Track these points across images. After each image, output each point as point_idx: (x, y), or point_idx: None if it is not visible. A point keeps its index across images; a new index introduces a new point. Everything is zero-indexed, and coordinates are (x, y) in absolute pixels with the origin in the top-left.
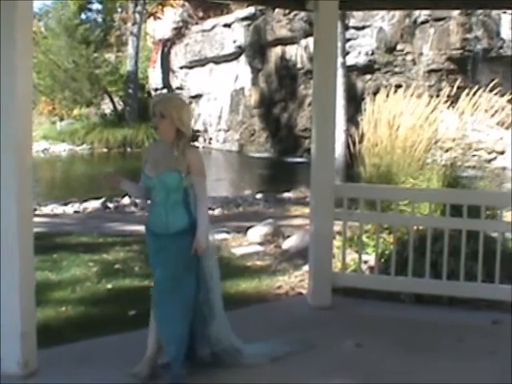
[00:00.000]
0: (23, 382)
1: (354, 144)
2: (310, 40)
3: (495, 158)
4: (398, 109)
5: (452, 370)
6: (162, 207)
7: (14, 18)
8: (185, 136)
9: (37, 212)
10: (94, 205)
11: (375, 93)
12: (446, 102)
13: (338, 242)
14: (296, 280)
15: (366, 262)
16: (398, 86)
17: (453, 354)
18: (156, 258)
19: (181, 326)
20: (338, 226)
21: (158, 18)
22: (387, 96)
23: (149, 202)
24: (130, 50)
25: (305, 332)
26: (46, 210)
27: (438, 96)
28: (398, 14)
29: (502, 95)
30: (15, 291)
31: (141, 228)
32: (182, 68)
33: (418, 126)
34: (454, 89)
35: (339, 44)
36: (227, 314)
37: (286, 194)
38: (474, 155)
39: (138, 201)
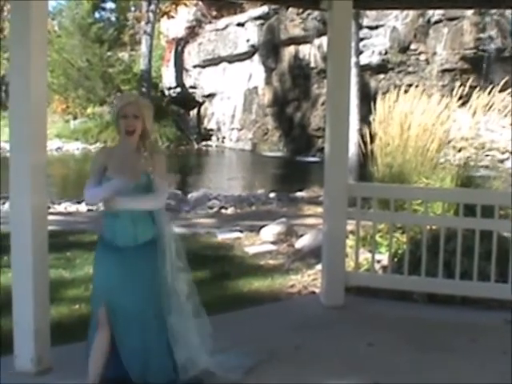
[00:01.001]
0: (37, 379)
1: (366, 143)
2: (324, 39)
3: (508, 158)
4: (410, 108)
5: (464, 370)
6: (128, 217)
7: (28, 16)
8: (149, 136)
9: (50, 210)
10: None
11: (385, 92)
12: (459, 101)
13: (351, 242)
14: (309, 279)
15: (379, 262)
16: (412, 86)
17: (465, 354)
18: (117, 275)
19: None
20: (351, 226)
21: (172, 16)
22: (398, 95)
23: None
24: (143, 48)
25: (317, 331)
26: (60, 208)
27: (451, 96)
28: (411, 13)
29: None
30: (29, 289)
31: None
32: (195, 67)
33: (430, 125)
34: (467, 88)
35: (353, 43)
36: (239, 313)
37: (299, 193)
38: (487, 155)
39: None
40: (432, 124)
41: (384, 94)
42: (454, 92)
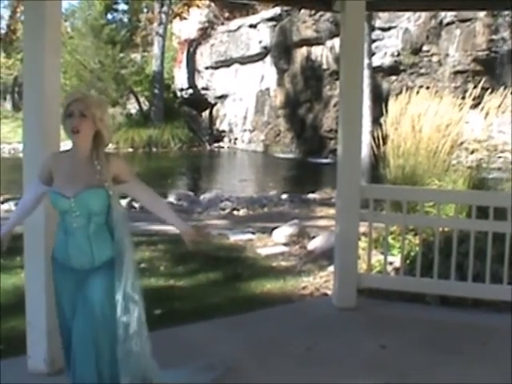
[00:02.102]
0: (49, 380)
1: (378, 145)
2: (336, 41)
3: None
4: (422, 110)
5: (476, 373)
6: (83, 236)
7: (42, 17)
8: (104, 141)
9: None
10: None
11: (397, 94)
12: (472, 103)
13: (363, 243)
14: (321, 281)
15: (391, 264)
16: (425, 87)
17: (477, 357)
18: (73, 297)
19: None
20: (363, 227)
21: (184, 18)
22: (410, 97)
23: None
24: (155, 50)
25: (329, 333)
26: None
27: (463, 97)
28: (423, 14)
29: None
30: (42, 289)
31: (166, 228)
32: (207, 68)
33: (442, 127)
34: (480, 90)
35: (365, 45)
36: (251, 315)
37: (311, 195)
38: (500, 157)
39: (172, 199)
40: (444, 126)
41: (396, 95)
42: (467, 94)
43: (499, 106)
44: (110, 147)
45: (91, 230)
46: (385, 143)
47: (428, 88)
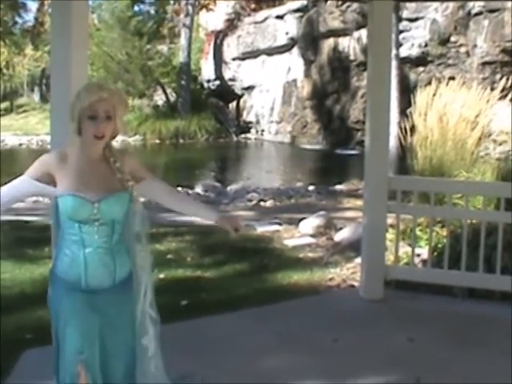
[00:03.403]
0: None
1: (405, 136)
2: (363, 32)
3: None
4: (449, 101)
5: (504, 366)
6: (106, 248)
7: (69, 10)
8: (115, 136)
9: None
10: None
11: (425, 85)
12: (500, 94)
13: (390, 235)
14: (348, 272)
15: (418, 256)
16: (451, 79)
17: (505, 350)
18: (89, 323)
19: None
20: (390, 219)
21: (211, 9)
22: (437, 88)
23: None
24: (182, 41)
25: (356, 324)
26: None
27: (492, 89)
28: (451, 5)
29: None
30: None
31: (193, 218)
32: (234, 59)
33: (470, 118)
34: (509, 81)
35: (392, 36)
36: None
37: (338, 186)
38: None
39: (199, 191)
40: (472, 117)
41: (424, 86)
42: (496, 85)
43: None
44: (138, 138)
45: (114, 240)
46: (412, 134)
47: (453, 79)
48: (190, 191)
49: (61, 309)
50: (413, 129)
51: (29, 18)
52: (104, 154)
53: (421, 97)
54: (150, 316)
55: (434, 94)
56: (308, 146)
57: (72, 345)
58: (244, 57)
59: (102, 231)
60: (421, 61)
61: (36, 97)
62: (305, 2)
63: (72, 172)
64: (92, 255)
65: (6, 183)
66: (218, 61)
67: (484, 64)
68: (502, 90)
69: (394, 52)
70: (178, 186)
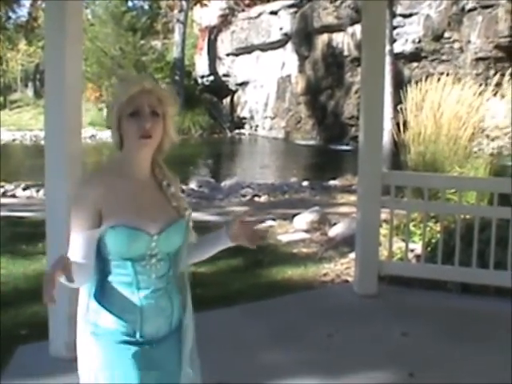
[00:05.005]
0: (71, 365)
1: (398, 132)
2: (357, 27)
3: None
4: (442, 96)
5: (498, 361)
6: (164, 289)
7: (63, 5)
8: (164, 150)
9: None
10: None
11: (417, 81)
12: (493, 90)
13: (384, 230)
14: (342, 268)
15: (412, 251)
16: (445, 74)
17: (499, 345)
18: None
19: None
20: (384, 214)
21: (205, 5)
22: (430, 84)
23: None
24: (176, 37)
25: (350, 319)
26: None
27: (485, 84)
28: (445, 1)
29: None
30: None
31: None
32: (228, 55)
33: (463, 114)
34: (502, 77)
35: (386, 31)
36: (272, 301)
37: (332, 182)
38: None
39: (193, 186)
40: (465, 113)
41: (417, 82)
42: (490, 80)
43: None
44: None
45: (169, 279)
46: (405, 130)
47: (448, 75)
48: (185, 187)
49: (107, 367)
50: (406, 124)
51: (22, 13)
52: (153, 172)
53: (412, 93)
54: (193, 358)
55: (427, 90)
56: (302, 142)
57: None
58: (238, 52)
59: (160, 269)
60: (415, 56)
61: (30, 92)
62: None
63: (118, 198)
64: (148, 299)
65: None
66: (212, 56)
67: (478, 60)
68: (495, 86)
69: (387, 48)
70: None
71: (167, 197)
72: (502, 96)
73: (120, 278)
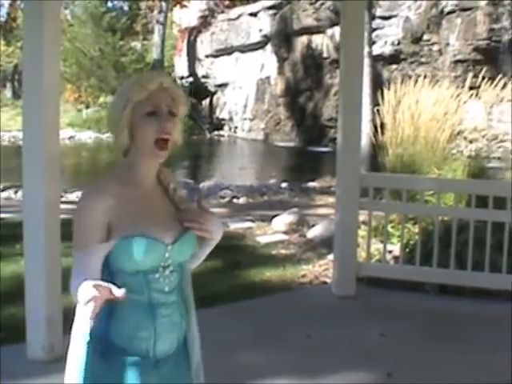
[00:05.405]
0: (48, 367)
1: (376, 134)
2: (337, 29)
3: None
4: (420, 99)
5: (475, 361)
6: (174, 304)
7: (41, 5)
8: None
9: (63, 199)
10: None
11: (394, 83)
12: (471, 92)
13: (362, 232)
14: (320, 269)
15: (390, 252)
16: (423, 76)
17: (476, 345)
18: None
19: None
20: (363, 216)
21: (184, 6)
22: (407, 86)
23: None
24: (155, 38)
25: (329, 321)
26: (73, 197)
27: (463, 87)
28: (424, 3)
29: None
30: (41, 277)
31: None
32: (207, 56)
33: (440, 116)
34: (480, 79)
35: (365, 33)
36: (251, 303)
37: (311, 183)
38: (500, 146)
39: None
40: (442, 115)
41: (395, 84)
42: (467, 82)
43: (498, 95)
44: (110, 135)
45: (180, 290)
46: (384, 132)
47: (425, 77)
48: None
49: None
50: (383, 126)
51: (1, 13)
52: (158, 177)
53: (389, 95)
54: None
55: (405, 92)
56: (281, 143)
57: None
58: (217, 54)
59: (172, 281)
60: (394, 58)
61: (8, 93)
62: (278, 0)
63: (130, 207)
64: (162, 314)
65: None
66: (192, 58)
67: (456, 62)
68: (474, 88)
69: (366, 50)
70: None
71: (175, 202)
72: (479, 98)
73: (131, 292)
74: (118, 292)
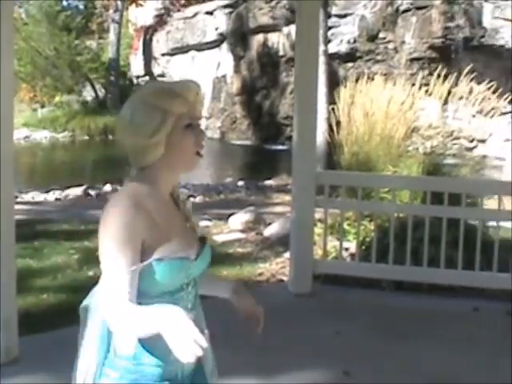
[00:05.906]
0: (4, 370)
1: (332, 132)
2: (292, 28)
3: (476, 147)
4: (374, 96)
5: (433, 357)
6: (197, 319)
7: None
8: None
9: (18, 199)
10: (75, 192)
11: (348, 81)
12: (425, 89)
13: (318, 230)
14: (277, 267)
15: (346, 249)
16: (379, 74)
17: (433, 341)
18: None
19: None
20: (318, 214)
21: (140, 4)
22: (361, 83)
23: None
24: (111, 36)
25: (286, 319)
26: (27, 197)
27: (419, 84)
28: (380, 2)
29: (479, 83)
30: None
31: None
32: (163, 55)
33: (395, 113)
34: (435, 77)
35: (321, 32)
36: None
37: (268, 182)
38: (455, 143)
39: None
40: (397, 112)
41: (349, 82)
42: (421, 80)
43: (454, 93)
44: (66, 135)
45: (199, 306)
46: (339, 130)
47: (382, 75)
48: (120, 188)
49: None
50: (339, 124)
51: None
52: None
53: (345, 93)
54: None
55: (360, 90)
56: (237, 142)
57: None
58: (173, 52)
59: (193, 297)
60: (350, 57)
61: None
62: None
63: (157, 224)
64: None
65: None
66: (148, 56)
67: (412, 60)
68: (428, 85)
69: (322, 48)
70: (107, 182)
71: (185, 214)
72: (434, 95)
73: None
74: (204, 344)
